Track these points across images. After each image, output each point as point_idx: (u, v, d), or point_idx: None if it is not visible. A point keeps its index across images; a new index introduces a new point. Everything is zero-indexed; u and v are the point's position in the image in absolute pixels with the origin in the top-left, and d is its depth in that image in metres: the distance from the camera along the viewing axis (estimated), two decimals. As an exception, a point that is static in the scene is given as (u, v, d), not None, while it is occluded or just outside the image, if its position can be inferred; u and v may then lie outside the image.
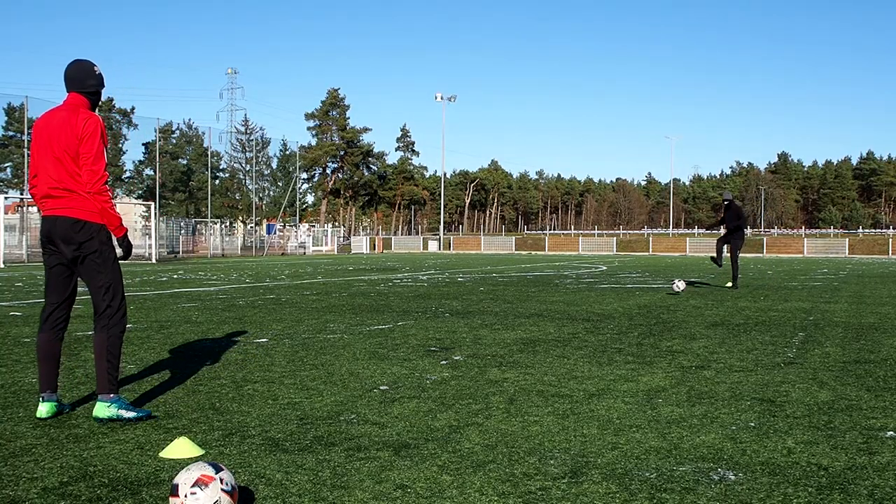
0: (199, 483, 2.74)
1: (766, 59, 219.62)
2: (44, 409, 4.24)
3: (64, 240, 4.23)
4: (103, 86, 4.52)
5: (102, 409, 4.16)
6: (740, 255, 15.99)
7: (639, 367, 5.93)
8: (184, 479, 2.76)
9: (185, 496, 2.73)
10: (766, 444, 3.80)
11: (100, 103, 4.55)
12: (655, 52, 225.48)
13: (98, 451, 3.63)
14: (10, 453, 3.58)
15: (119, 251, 4.49)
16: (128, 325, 8.52)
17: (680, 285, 13.51)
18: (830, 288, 15.79)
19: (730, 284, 15.70)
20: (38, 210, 4.53)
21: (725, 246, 16.14)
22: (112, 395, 4.19)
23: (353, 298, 12.51)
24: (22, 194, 51.46)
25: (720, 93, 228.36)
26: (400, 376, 5.52)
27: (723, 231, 16.29)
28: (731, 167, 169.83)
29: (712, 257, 16.37)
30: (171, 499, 2.75)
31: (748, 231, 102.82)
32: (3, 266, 28.63)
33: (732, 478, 3.28)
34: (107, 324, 4.29)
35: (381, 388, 5.11)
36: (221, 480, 2.77)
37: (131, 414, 4.19)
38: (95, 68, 4.47)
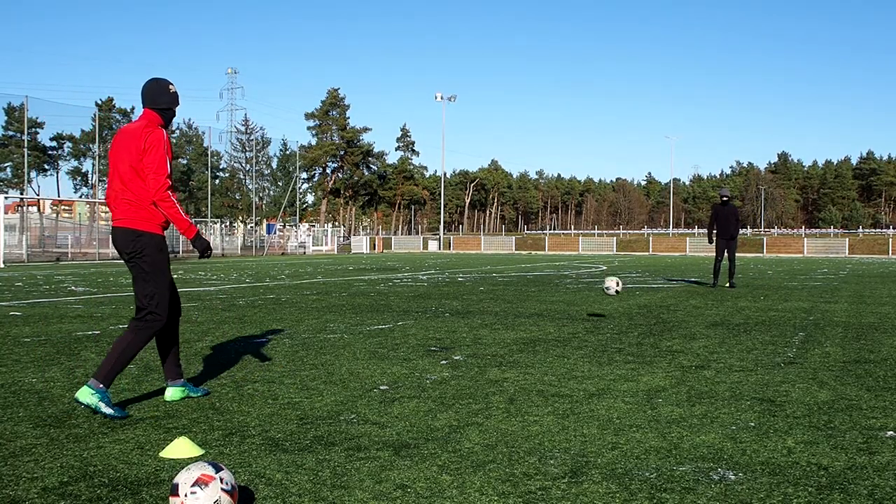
0: (199, 482, 2.73)
1: (766, 59, 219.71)
2: (168, 393, 4.73)
3: (121, 248, 4.56)
4: (177, 104, 4.72)
5: (86, 393, 4.27)
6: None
7: (639, 367, 5.93)
8: (184, 479, 2.76)
9: (185, 496, 2.72)
10: (766, 443, 3.80)
11: (173, 120, 4.82)
12: (655, 52, 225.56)
13: (98, 450, 3.63)
14: (11, 453, 3.58)
15: (196, 252, 4.65)
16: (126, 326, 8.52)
17: (611, 285, 10.76)
18: (830, 288, 15.79)
19: (727, 285, 15.62)
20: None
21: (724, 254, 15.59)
22: (101, 386, 4.30)
23: (353, 298, 12.51)
24: (22, 194, 51.46)
25: (720, 92, 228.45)
26: (400, 376, 5.52)
27: (713, 237, 15.62)
28: (731, 167, 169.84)
29: (714, 282, 15.52)
30: (171, 498, 2.75)
31: (748, 231, 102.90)
32: (3, 266, 28.62)
33: (732, 477, 3.28)
34: (141, 326, 4.50)
35: (381, 387, 5.11)
36: (221, 480, 2.77)
37: (109, 410, 4.26)
38: (171, 87, 4.71)
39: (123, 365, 4.40)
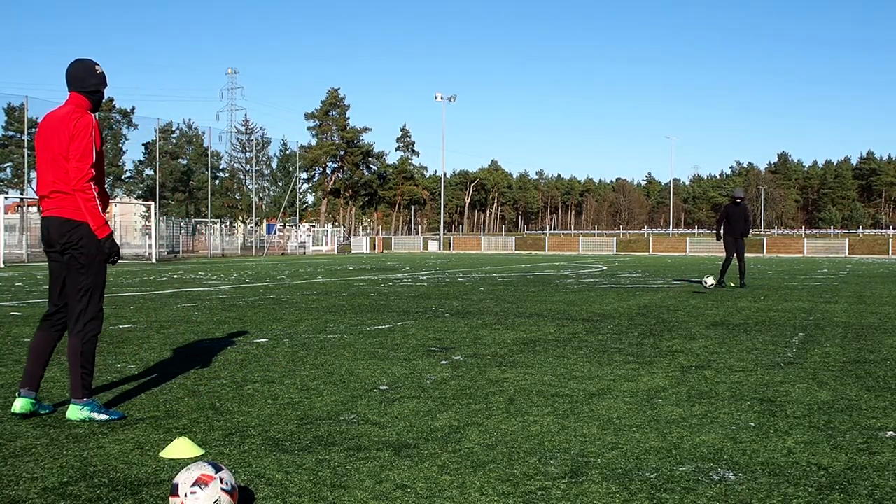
0: (199, 482, 2.75)
1: (766, 59, 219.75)
2: (18, 405, 4.23)
3: (56, 238, 4.26)
4: (105, 85, 4.46)
5: (75, 412, 4.19)
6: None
7: (639, 367, 5.93)
8: (184, 479, 2.76)
9: (185, 496, 2.74)
10: (766, 444, 3.80)
11: (101, 103, 4.53)
12: (655, 52, 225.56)
13: (98, 451, 3.63)
14: (11, 453, 3.58)
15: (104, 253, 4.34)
16: (127, 326, 8.52)
17: (709, 281, 14.67)
18: (830, 288, 15.79)
19: (733, 284, 15.64)
20: (39, 210, 4.46)
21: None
22: (84, 400, 4.20)
23: (354, 298, 12.51)
24: (22, 194, 51.46)
25: (720, 92, 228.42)
26: (400, 376, 5.52)
27: (720, 234, 15.71)
28: (731, 167, 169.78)
29: (720, 281, 15.42)
30: (171, 499, 2.76)
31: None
32: (3, 266, 28.62)
33: (732, 478, 3.28)
34: (81, 329, 4.26)
35: (381, 388, 5.11)
36: (221, 480, 2.77)
37: (104, 416, 4.20)
38: (97, 67, 4.43)
39: (89, 370, 4.26)
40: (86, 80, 4.37)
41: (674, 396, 4.87)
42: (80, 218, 4.24)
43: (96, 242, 4.27)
